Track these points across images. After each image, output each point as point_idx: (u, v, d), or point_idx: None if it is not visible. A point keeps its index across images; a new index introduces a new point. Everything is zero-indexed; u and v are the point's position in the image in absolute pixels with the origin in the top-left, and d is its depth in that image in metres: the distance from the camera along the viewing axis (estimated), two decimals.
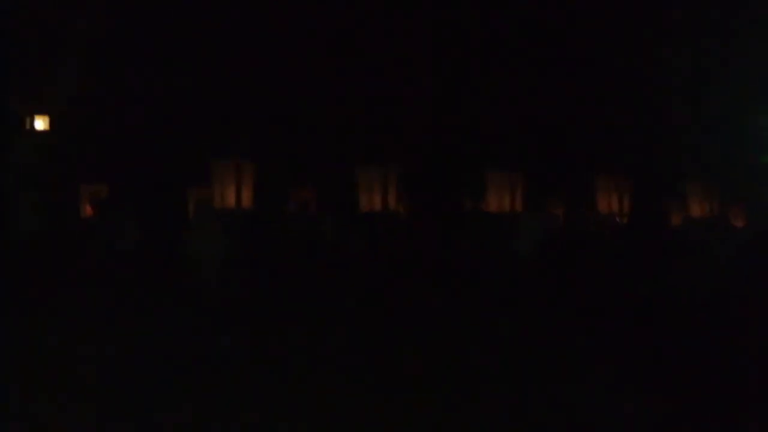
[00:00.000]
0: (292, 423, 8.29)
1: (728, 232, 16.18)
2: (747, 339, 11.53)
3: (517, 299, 13.17)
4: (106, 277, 13.85)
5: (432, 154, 15.91)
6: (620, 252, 15.24)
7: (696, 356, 10.52)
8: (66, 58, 18.22)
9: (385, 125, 15.51)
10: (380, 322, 12.12)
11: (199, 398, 8.80)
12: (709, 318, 12.62)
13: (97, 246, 15.01)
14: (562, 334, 11.56)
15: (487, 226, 15.82)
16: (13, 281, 12.85)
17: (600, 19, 16.98)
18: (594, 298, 13.17)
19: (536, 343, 11.06)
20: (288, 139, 15.89)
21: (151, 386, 9.18)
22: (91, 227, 16.07)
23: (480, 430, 8.30)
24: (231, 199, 13.87)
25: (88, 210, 16.92)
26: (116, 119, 17.69)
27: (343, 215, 15.73)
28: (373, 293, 13.31)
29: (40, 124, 18.73)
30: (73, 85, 18.13)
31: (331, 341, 11.24)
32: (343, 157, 15.53)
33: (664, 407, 8.65)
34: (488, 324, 12.01)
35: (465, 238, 15.35)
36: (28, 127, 18.72)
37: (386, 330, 11.77)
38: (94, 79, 18.03)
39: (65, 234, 15.73)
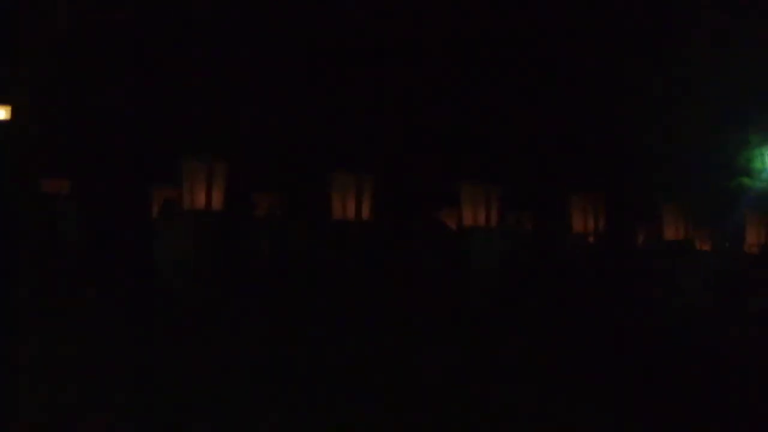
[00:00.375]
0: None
1: (696, 254, 16.20)
2: (708, 361, 11.50)
3: (473, 313, 13.06)
4: (53, 274, 13.48)
5: (404, 163, 15.72)
6: (587, 271, 15.19)
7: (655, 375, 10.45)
8: (29, 49, 17.81)
9: (360, 133, 15.28)
10: (338, 328, 11.98)
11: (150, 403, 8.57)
12: (672, 338, 12.59)
13: (49, 242, 14.64)
14: (513, 349, 11.45)
15: (454, 238, 15.70)
16: None
17: (576, 40, 16.93)
18: (550, 316, 13.08)
19: (485, 357, 10.96)
20: (259, 141, 15.60)
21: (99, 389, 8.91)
22: (44, 222, 15.66)
23: None
24: (199, 200, 13.54)
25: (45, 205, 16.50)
26: (82, 115, 17.28)
27: (311, 221, 15.53)
28: (335, 299, 13.16)
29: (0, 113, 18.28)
30: (36, 76, 17.71)
31: (290, 346, 11.05)
32: (314, 163, 15.29)
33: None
34: (440, 337, 11.90)
35: (430, 249, 15.22)
36: None
37: (343, 336, 11.63)
38: (58, 72, 17.62)
39: (18, 230, 15.29)
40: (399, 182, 15.38)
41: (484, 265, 14.51)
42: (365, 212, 14.67)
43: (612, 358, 11.27)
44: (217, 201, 13.44)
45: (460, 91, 15.69)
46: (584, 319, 13.06)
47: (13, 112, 18.28)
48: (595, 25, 17.34)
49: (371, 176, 14.57)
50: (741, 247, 16.33)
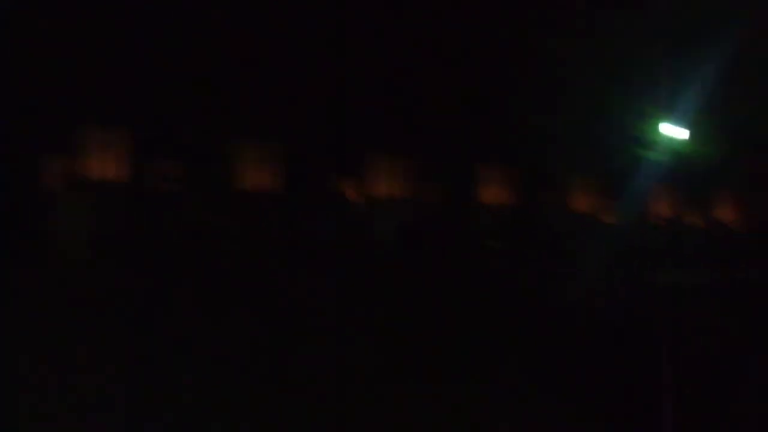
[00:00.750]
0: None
1: (601, 226, 16.39)
2: (615, 338, 11.62)
3: (368, 289, 13.06)
4: None
5: (308, 132, 15.52)
6: (492, 243, 15.26)
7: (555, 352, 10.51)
8: None
9: (263, 99, 15.03)
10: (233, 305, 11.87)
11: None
12: (578, 317, 12.72)
13: None
14: (407, 328, 11.46)
15: (356, 211, 15.65)
16: None
17: (489, 12, 16.91)
18: (450, 292, 13.13)
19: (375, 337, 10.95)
20: (160, 109, 15.19)
21: None
22: None
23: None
24: (99, 171, 13.21)
25: None
26: None
27: (211, 192, 15.25)
28: (230, 274, 13.04)
29: None
30: None
31: (186, 328, 10.90)
32: (214, 131, 14.98)
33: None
34: (334, 313, 11.88)
35: (330, 222, 15.17)
36: None
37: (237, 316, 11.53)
38: None
39: None
40: (304, 152, 15.21)
41: (387, 238, 14.56)
42: (268, 184, 14.56)
43: (506, 333, 11.34)
44: (118, 171, 13.15)
45: (370, 60, 15.53)
46: (485, 291, 13.12)
47: None
48: (502, 1, 17.37)
49: (276, 146, 14.41)
50: (645, 218, 16.57)
